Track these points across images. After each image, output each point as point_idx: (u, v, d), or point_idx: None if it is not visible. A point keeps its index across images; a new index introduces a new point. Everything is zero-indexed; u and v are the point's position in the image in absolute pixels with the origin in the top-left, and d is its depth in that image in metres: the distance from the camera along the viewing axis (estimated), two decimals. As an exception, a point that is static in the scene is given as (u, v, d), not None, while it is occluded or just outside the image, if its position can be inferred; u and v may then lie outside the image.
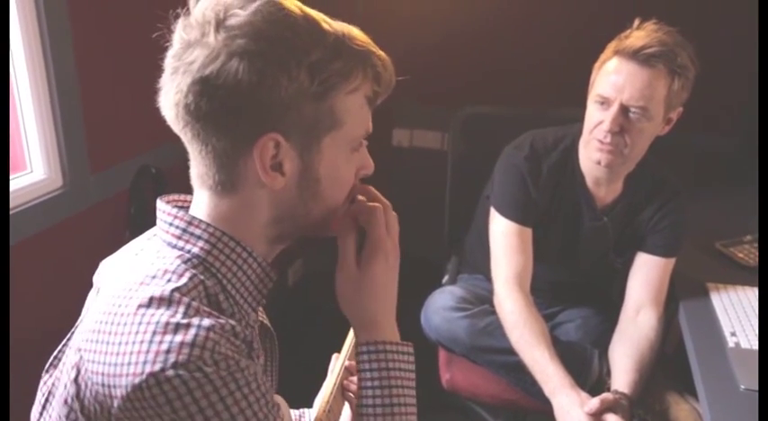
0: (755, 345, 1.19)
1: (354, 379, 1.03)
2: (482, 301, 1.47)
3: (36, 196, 1.36)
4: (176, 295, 0.61)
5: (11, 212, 1.28)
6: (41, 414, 0.67)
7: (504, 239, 1.40)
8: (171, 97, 0.62)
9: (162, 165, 1.63)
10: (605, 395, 1.22)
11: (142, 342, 0.58)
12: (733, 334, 1.23)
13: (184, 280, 0.62)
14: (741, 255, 1.54)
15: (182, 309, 0.60)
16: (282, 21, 0.60)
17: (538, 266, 1.42)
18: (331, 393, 0.98)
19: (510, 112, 1.84)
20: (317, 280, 2.73)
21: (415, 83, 2.72)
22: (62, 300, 1.19)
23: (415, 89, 2.60)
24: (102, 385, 0.59)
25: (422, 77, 2.58)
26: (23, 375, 0.93)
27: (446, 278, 1.77)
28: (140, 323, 0.59)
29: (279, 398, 0.82)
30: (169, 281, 0.62)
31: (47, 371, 0.69)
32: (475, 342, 1.40)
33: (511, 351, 1.34)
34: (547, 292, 1.52)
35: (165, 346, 0.57)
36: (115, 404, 0.58)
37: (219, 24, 0.60)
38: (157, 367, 0.56)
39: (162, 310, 0.59)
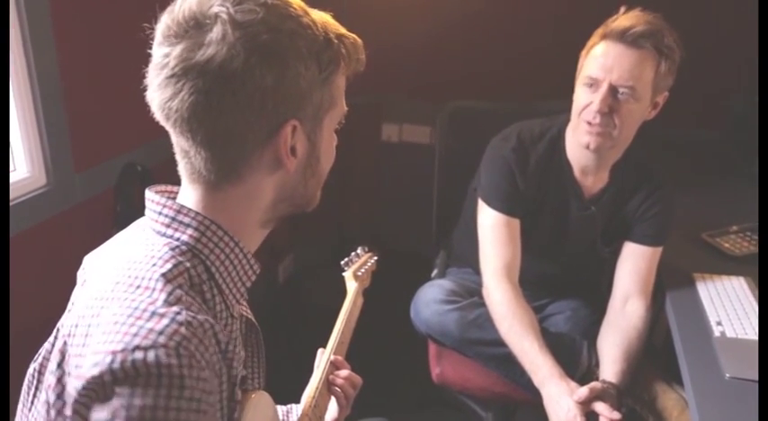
0: (741, 334, 1.20)
1: (340, 372, 1.03)
2: (471, 294, 1.48)
3: (19, 195, 1.35)
4: (159, 282, 0.61)
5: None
6: (32, 402, 0.67)
7: (492, 231, 1.40)
8: (185, 98, 0.61)
9: (147, 162, 1.62)
10: (594, 383, 1.23)
11: (116, 323, 0.58)
12: (719, 323, 1.24)
13: (169, 265, 0.63)
14: (727, 245, 1.55)
15: (162, 297, 0.60)
16: (290, 15, 0.64)
17: (526, 258, 1.43)
18: (316, 388, 0.98)
19: (497, 106, 1.84)
20: (308, 276, 2.73)
21: (403, 78, 2.74)
22: (48, 299, 1.18)
23: (403, 84, 2.61)
24: (76, 367, 0.59)
25: (410, 72, 2.58)
26: (13, 371, 0.92)
27: (435, 272, 1.77)
28: (120, 306, 0.60)
29: (264, 395, 0.81)
30: (154, 265, 0.63)
31: (35, 361, 0.69)
32: (465, 334, 1.40)
33: (500, 343, 1.35)
34: (536, 284, 1.53)
35: (134, 330, 0.57)
36: (79, 385, 0.57)
37: (234, 21, 0.60)
38: (119, 347, 0.56)
39: (143, 297, 0.60)
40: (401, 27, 2.48)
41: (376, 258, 1.40)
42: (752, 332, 1.21)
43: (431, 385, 1.54)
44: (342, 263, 1.30)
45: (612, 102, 1.24)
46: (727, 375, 1.09)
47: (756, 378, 1.07)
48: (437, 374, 1.51)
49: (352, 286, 1.24)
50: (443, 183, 1.84)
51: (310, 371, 1.07)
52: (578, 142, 1.32)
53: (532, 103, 1.80)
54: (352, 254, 1.34)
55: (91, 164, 1.53)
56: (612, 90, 1.23)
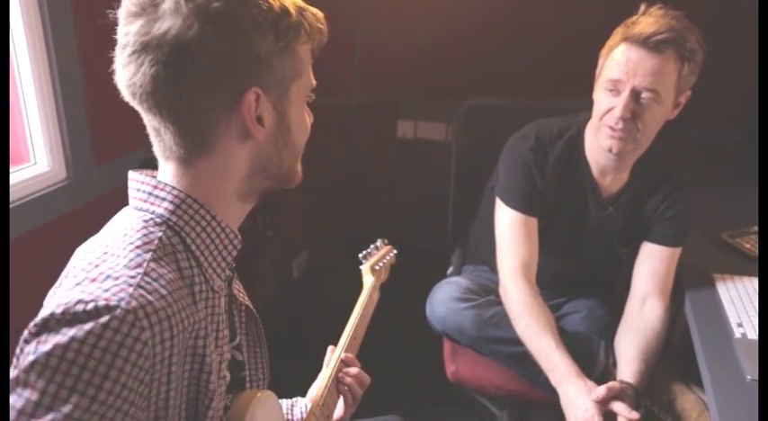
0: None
1: (350, 370, 1.03)
2: (487, 292, 1.47)
3: (39, 188, 1.36)
4: (126, 250, 0.63)
5: (13, 205, 1.28)
6: None
7: (510, 230, 1.40)
8: (146, 71, 0.63)
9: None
10: (612, 383, 1.22)
11: (74, 285, 0.60)
12: (740, 324, 1.22)
13: (139, 235, 0.64)
14: (748, 246, 1.53)
15: (123, 262, 0.61)
16: None
17: (543, 257, 1.42)
18: (326, 386, 0.97)
19: (513, 104, 1.83)
20: (322, 272, 2.74)
21: (419, 75, 2.73)
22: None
23: (419, 81, 2.61)
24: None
25: (426, 70, 2.57)
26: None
27: (451, 269, 1.77)
28: (83, 270, 0.61)
29: (269, 395, 0.81)
30: (125, 235, 0.64)
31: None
32: (481, 332, 1.39)
33: (517, 341, 1.34)
34: (552, 283, 1.52)
35: (84, 288, 0.58)
36: (24, 336, 0.57)
37: None
38: (65, 300, 0.57)
39: (107, 263, 0.61)
40: (417, 25, 2.48)
41: (395, 252, 1.38)
42: (773, 334, 1.19)
43: (446, 383, 1.54)
44: (360, 255, 1.28)
45: (635, 106, 1.22)
46: (749, 377, 1.08)
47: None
48: (452, 372, 1.50)
49: (368, 280, 1.22)
50: (460, 180, 1.83)
51: (320, 367, 1.07)
52: (601, 145, 1.30)
53: (549, 101, 1.79)
54: (371, 246, 1.31)
55: (110, 158, 1.54)
56: (635, 94, 1.21)
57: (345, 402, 1.03)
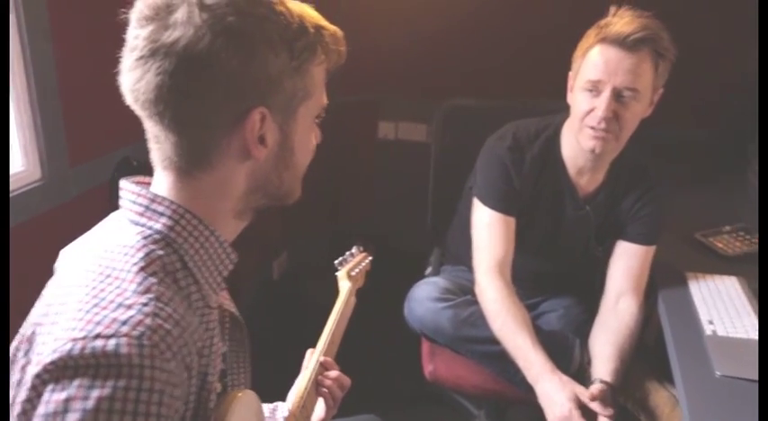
0: (732, 333, 1.21)
1: (330, 374, 1.03)
2: (465, 292, 1.48)
3: (14, 188, 1.34)
4: (131, 273, 0.61)
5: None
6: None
7: (487, 229, 1.41)
8: (151, 79, 0.61)
9: (143, 157, 1.59)
10: (599, 386, 1.23)
11: (80, 310, 0.58)
12: (710, 322, 1.25)
13: (141, 254, 0.63)
14: (720, 245, 1.56)
15: (132, 287, 0.60)
16: (260, 1, 0.63)
17: (520, 256, 1.43)
18: (305, 389, 0.98)
19: (492, 105, 1.84)
20: (303, 273, 2.73)
21: (399, 76, 2.74)
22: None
23: (399, 82, 2.62)
24: (38, 354, 0.58)
25: (406, 70, 2.58)
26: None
27: (429, 270, 1.78)
28: (87, 295, 0.59)
29: (250, 394, 0.81)
30: (126, 254, 0.63)
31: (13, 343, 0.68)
32: (458, 332, 1.41)
33: (494, 340, 1.35)
34: (529, 282, 1.53)
35: (98, 318, 0.57)
36: (36, 371, 0.56)
37: (201, 4, 0.61)
38: (81, 334, 0.56)
39: (112, 287, 0.60)
40: (398, 26, 2.49)
41: (371, 258, 1.40)
42: (743, 331, 1.22)
43: (425, 382, 1.55)
44: (336, 262, 1.30)
45: (616, 106, 1.24)
46: (718, 373, 1.10)
47: (747, 376, 1.08)
48: (430, 372, 1.51)
49: (345, 286, 1.24)
50: (439, 181, 1.84)
51: (300, 370, 1.07)
52: (582, 146, 1.32)
53: (528, 102, 1.80)
54: (347, 253, 1.33)
55: (86, 158, 1.53)
56: (615, 94, 1.24)
57: (326, 405, 1.04)
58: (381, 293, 1.64)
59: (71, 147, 1.47)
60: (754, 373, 1.09)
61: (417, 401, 1.94)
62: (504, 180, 1.40)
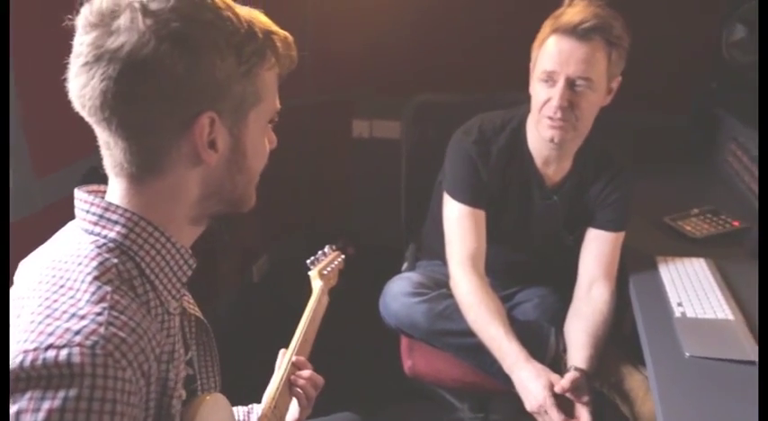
0: (700, 314, 1.23)
1: (302, 373, 1.03)
2: (440, 286, 1.49)
3: (-22, 203, 1.32)
4: (84, 283, 0.61)
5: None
6: None
7: (457, 222, 1.42)
8: (96, 85, 0.61)
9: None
10: (573, 374, 1.24)
11: (32, 322, 0.58)
12: (680, 304, 1.27)
13: (95, 263, 0.62)
14: (689, 228, 1.59)
15: (86, 297, 0.59)
16: (206, 6, 0.64)
17: (493, 248, 1.44)
18: (277, 389, 0.98)
19: (461, 99, 1.85)
20: (283, 275, 2.72)
21: (372, 74, 2.73)
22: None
23: (372, 80, 2.62)
24: None
25: (379, 69, 2.59)
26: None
27: (405, 265, 1.78)
28: (40, 306, 0.59)
29: (217, 397, 0.81)
30: (80, 264, 0.62)
31: None
32: (433, 326, 1.41)
33: (469, 333, 1.36)
34: (504, 273, 1.55)
35: (50, 329, 0.56)
36: None
37: (145, 9, 0.61)
38: (32, 346, 0.55)
39: (65, 297, 0.59)
40: (368, 25, 2.49)
41: (343, 257, 1.40)
42: (711, 312, 1.24)
43: (406, 379, 1.55)
44: (308, 261, 1.30)
45: (571, 95, 1.26)
46: (687, 354, 1.12)
47: (715, 356, 1.11)
48: (409, 367, 1.52)
49: (317, 285, 1.25)
50: (411, 177, 1.85)
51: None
52: (542, 136, 1.34)
53: (497, 95, 1.81)
54: (319, 252, 1.34)
55: (52, 169, 1.51)
56: (569, 83, 1.25)
57: (300, 404, 1.03)
58: (363, 291, 1.64)
59: (35, 158, 1.45)
60: (721, 353, 1.11)
61: (400, 398, 1.95)
62: (471, 173, 1.41)
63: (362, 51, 2.56)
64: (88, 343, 0.56)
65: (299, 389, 1.02)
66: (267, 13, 0.71)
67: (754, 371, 1.07)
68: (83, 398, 0.54)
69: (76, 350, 0.55)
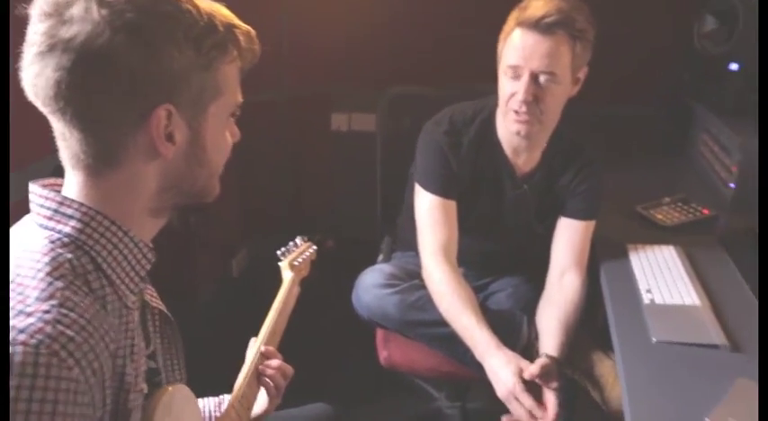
0: (668, 301, 1.25)
1: (271, 363, 1.03)
2: (412, 277, 1.49)
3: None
4: (35, 280, 0.60)
5: None
6: None
7: (429, 213, 1.42)
8: (50, 75, 0.61)
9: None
10: (543, 360, 1.25)
11: None
12: (648, 291, 1.28)
13: (47, 259, 0.62)
14: (660, 217, 1.61)
15: (34, 294, 0.59)
16: None
17: (466, 238, 1.45)
18: (244, 379, 0.98)
19: (435, 91, 1.85)
20: (263, 269, 2.71)
21: (350, 67, 2.72)
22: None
23: (350, 73, 2.61)
24: None
25: (356, 62, 2.58)
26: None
27: (380, 257, 1.79)
28: None
29: (180, 388, 0.81)
30: (31, 260, 0.62)
31: None
32: (405, 316, 1.42)
33: (441, 322, 1.36)
34: (477, 264, 1.55)
35: None
36: None
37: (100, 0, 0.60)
38: None
39: (14, 294, 0.59)
40: (346, 19, 2.48)
41: (315, 248, 1.40)
42: (679, 298, 1.25)
43: (382, 370, 1.55)
44: (278, 252, 1.30)
45: (536, 89, 1.26)
46: (654, 339, 1.13)
47: (681, 340, 1.12)
48: (385, 358, 1.52)
49: (287, 276, 1.25)
50: (386, 169, 1.85)
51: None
52: (509, 129, 1.35)
53: (471, 86, 1.81)
54: (290, 243, 1.34)
55: (20, 165, 1.49)
56: (534, 77, 1.26)
57: (268, 394, 1.03)
58: (342, 284, 1.64)
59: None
60: (687, 337, 1.13)
61: (378, 389, 1.96)
62: (442, 164, 1.41)
63: (340, 45, 2.55)
64: (33, 342, 0.55)
65: (267, 379, 1.02)
66: (246, 8, 0.71)
67: (719, 354, 1.09)
68: (20, 399, 0.53)
69: (20, 349, 0.54)
